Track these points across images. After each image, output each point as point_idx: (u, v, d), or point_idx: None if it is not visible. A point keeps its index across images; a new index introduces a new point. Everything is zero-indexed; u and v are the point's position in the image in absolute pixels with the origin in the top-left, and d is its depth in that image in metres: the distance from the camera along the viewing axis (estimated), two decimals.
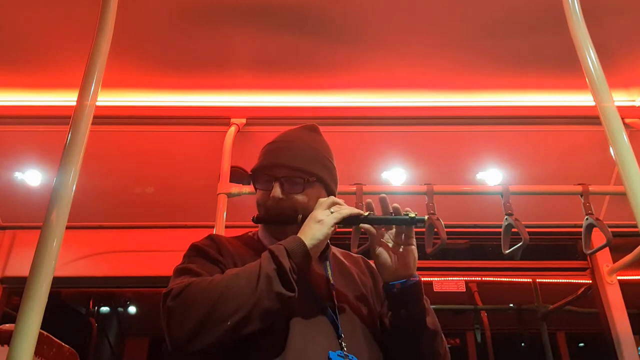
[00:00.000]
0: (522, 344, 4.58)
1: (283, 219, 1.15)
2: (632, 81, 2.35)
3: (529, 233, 2.04)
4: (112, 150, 2.59)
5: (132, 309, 5.13)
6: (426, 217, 1.11)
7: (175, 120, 2.52)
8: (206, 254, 1.12)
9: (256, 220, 1.19)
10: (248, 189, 2.26)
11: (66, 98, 2.36)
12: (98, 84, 1.30)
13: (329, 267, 1.19)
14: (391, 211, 1.11)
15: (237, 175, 2.54)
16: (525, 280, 3.38)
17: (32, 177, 2.66)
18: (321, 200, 1.11)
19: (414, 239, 1.11)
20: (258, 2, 1.91)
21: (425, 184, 2.20)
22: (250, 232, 1.28)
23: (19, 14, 1.93)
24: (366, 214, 1.11)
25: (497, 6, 1.92)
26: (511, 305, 4.15)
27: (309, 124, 1.31)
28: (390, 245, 1.12)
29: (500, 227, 2.16)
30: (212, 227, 2.06)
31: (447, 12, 1.96)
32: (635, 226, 1.20)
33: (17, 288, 2.80)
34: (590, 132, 2.50)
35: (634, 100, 2.43)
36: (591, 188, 2.19)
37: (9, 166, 2.65)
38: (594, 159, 2.53)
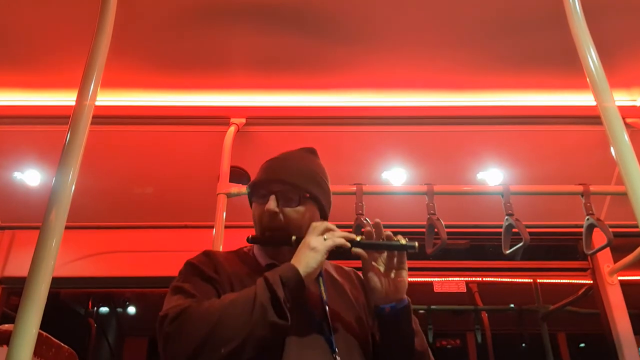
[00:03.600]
0: (523, 345, 4.57)
1: (277, 241, 1.18)
2: (633, 81, 2.35)
3: (530, 233, 2.03)
4: (112, 150, 2.59)
5: (131, 310, 5.13)
6: (416, 244, 1.12)
7: (175, 120, 2.52)
8: (201, 272, 1.14)
9: (251, 240, 1.21)
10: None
11: (65, 98, 2.36)
12: (97, 83, 1.30)
13: (322, 284, 1.20)
14: (383, 236, 1.14)
15: (237, 175, 2.54)
16: (526, 280, 3.38)
17: (31, 177, 2.66)
18: (314, 224, 1.14)
19: (405, 264, 1.14)
20: (258, 2, 1.90)
21: (425, 184, 2.19)
22: (246, 247, 1.30)
23: (19, 13, 1.93)
24: (358, 238, 1.13)
25: (497, 6, 1.92)
26: (512, 305, 4.15)
27: (308, 147, 1.35)
28: (382, 269, 1.14)
29: (500, 227, 2.15)
30: (212, 227, 2.06)
31: (447, 12, 1.96)
32: (636, 226, 1.20)
33: (16, 288, 2.79)
34: (591, 132, 2.50)
35: (635, 100, 2.43)
36: (592, 188, 2.19)
37: (8, 166, 2.65)
38: (594, 158, 2.53)
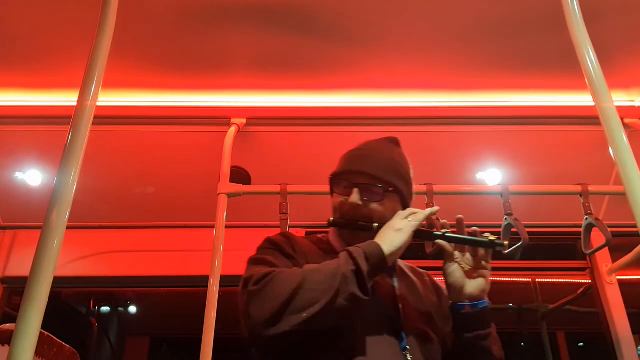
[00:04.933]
0: (522, 344, 4.58)
1: (358, 225, 1.16)
2: (631, 81, 2.35)
3: (529, 233, 2.04)
4: (113, 150, 2.60)
5: (132, 309, 5.14)
6: (506, 243, 1.09)
7: (175, 120, 2.52)
8: (281, 248, 1.15)
9: (332, 223, 1.19)
10: (248, 189, 2.26)
11: (67, 98, 2.36)
12: (99, 84, 1.30)
13: (395, 281, 1.19)
14: (468, 233, 1.12)
15: (237, 175, 2.55)
16: (525, 280, 3.38)
17: (32, 177, 2.66)
18: (399, 212, 1.13)
19: (490, 264, 1.13)
20: (258, 2, 1.91)
21: (425, 184, 2.20)
22: (321, 234, 1.29)
23: (19, 13, 1.93)
24: (444, 231, 1.12)
25: (496, 7, 1.92)
26: (511, 305, 4.16)
27: (392, 137, 1.33)
28: (464, 266, 1.13)
29: (500, 227, 2.16)
30: (212, 227, 2.06)
31: (447, 13, 1.96)
32: (635, 226, 1.20)
33: (18, 288, 2.80)
34: (589, 132, 2.50)
35: (633, 101, 2.44)
36: (591, 188, 2.19)
37: (9, 166, 2.65)
38: (593, 159, 2.54)
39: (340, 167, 1.24)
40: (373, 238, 1.08)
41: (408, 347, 1.05)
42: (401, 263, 1.31)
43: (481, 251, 1.12)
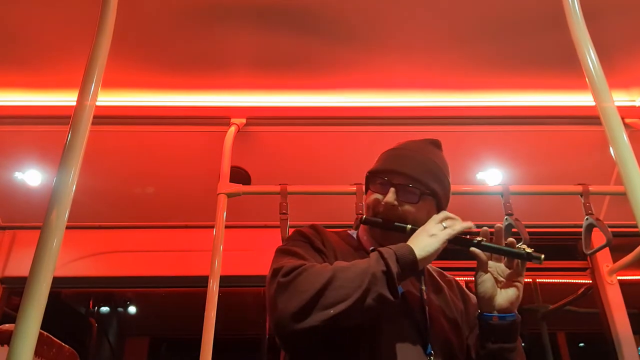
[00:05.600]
0: (522, 344, 4.57)
1: (392, 226, 1.14)
2: (632, 81, 2.35)
3: (529, 233, 2.03)
4: (113, 150, 2.59)
5: (132, 309, 5.13)
6: (542, 256, 1.07)
7: (175, 120, 2.52)
8: (311, 241, 1.14)
9: (365, 221, 1.17)
10: (248, 189, 2.26)
11: (66, 98, 2.36)
12: (98, 84, 1.30)
13: (423, 284, 1.17)
14: (505, 243, 1.10)
15: (237, 175, 2.54)
16: (525, 280, 3.37)
17: (32, 177, 2.66)
18: (434, 216, 1.10)
19: (523, 276, 1.10)
20: (258, 2, 1.91)
21: None
22: (350, 230, 1.27)
23: (19, 13, 1.93)
24: (479, 239, 1.09)
25: (497, 6, 1.92)
26: None
27: (434, 139, 1.31)
28: (496, 276, 1.10)
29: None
30: (212, 227, 2.06)
31: (447, 12, 1.96)
32: (636, 226, 1.20)
33: (17, 288, 2.80)
34: (590, 132, 2.50)
35: (634, 101, 2.43)
36: (591, 188, 2.19)
37: (9, 166, 2.65)
38: (594, 159, 2.53)
39: (378, 164, 1.22)
40: (404, 240, 1.06)
41: (432, 352, 1.05)
42: (430, 267, 1.29)
43: (516, 263, 1.09)
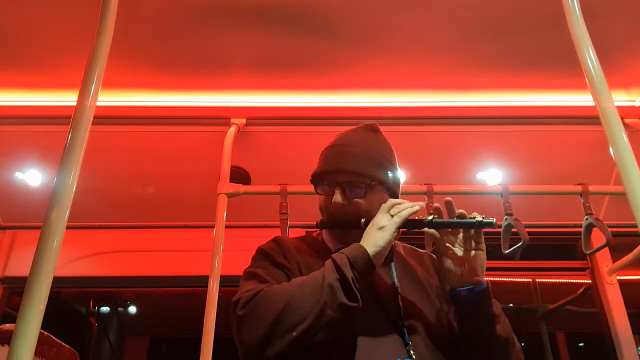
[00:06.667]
0: (522, 344, 4.58)
1: (346, 224, 1.14)
2: (632, 81, 2.35)
3: (529, 233, 2.04)
4: (112, 150, 2.59)
5: (132, 309, 5.14)
6: (494, 220, 1.06)
7: (175, 120, 2.52)
8: (272, 258, 1.13)
9: (320, 225, 1.18)
10: (248, 189, 2.26)
11: (66, 98, 2.36)
12: (98, 84, 1.30)
13: (394, 270, 1.17)
14: (456, 215, 1.09)
15: (237, 175, 2.54)
16: (525, 280, 3.38)
17: (32, 177, 2.66)
18: (382, 205, 1.10)
19: (483, 244, 1.09)
20: (258, 2, 1.91)
21: (425, 184, 2.20)
22: (315, 232, 1.27)
23: (20, 14, 1.93)
24: (431, 217, 1.09)
25: (497, 6, 1.92)
26: (511, 305, 4.15)
27: (370, 124, 1.29)
28: (457, 249, 1.10)
29: (500, 227, 2.16)
30: (212, 227, 2.06)
31: (447, 13, 1.96)
32: (635, 226, 1.20)
33: (18, 288, 2.80)
34: (590, 132, 2.50)
35: (633, 101, 2.44)
36: (591, 188, 2.19)
37: (9, 166, 2.65)
38: (593, 159, 2.53)
39: (320, 167, 1.22)
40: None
41: (410, 342, 1.04)
42: (400, 247, 1.28)
43: (472, 233, 1.09)
